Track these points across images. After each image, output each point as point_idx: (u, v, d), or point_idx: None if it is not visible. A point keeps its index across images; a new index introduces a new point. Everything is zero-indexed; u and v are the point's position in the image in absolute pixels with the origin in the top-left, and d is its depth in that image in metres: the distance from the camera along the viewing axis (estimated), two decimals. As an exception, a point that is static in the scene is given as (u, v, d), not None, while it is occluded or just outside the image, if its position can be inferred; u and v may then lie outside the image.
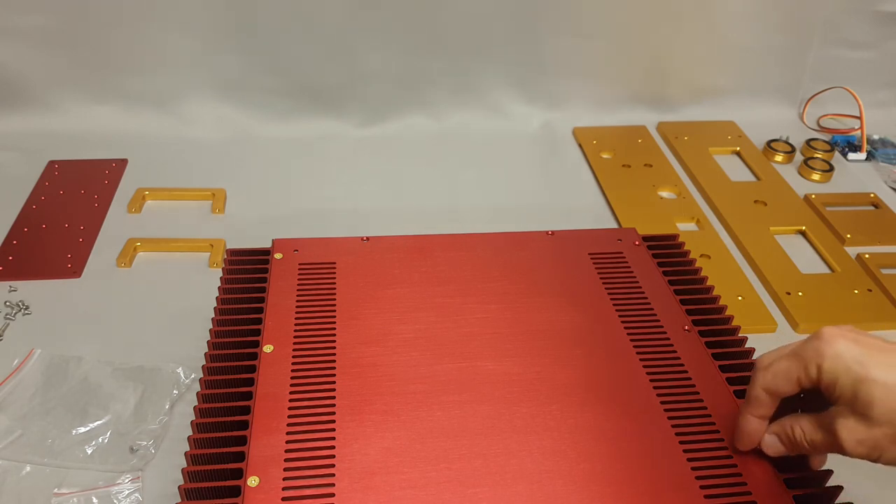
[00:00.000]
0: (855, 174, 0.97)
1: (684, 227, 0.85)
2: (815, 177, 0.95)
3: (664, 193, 0.91)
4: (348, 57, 0.96)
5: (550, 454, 0.46)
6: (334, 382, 0.50)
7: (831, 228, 0.85)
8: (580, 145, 0.99)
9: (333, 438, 0.46)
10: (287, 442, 0.46)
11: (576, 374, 0.52)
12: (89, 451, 0.55)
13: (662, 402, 0.50)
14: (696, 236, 0.82)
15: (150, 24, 0.91)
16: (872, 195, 0.91)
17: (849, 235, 0.83)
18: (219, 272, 0.63)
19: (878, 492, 0.53)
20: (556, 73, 1.01)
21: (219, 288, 0.58)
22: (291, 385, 0.50)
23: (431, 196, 0.89)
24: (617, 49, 1.01)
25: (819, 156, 0.97)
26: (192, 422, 0.47)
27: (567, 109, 1.04)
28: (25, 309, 0.68)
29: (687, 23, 1.00)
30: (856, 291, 0.76)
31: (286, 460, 0.45)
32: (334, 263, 0.61)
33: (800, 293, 0.75)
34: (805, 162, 0.96)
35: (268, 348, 0.52)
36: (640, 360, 0.53)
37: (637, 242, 0.65)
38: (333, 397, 0.49)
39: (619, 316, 0.57)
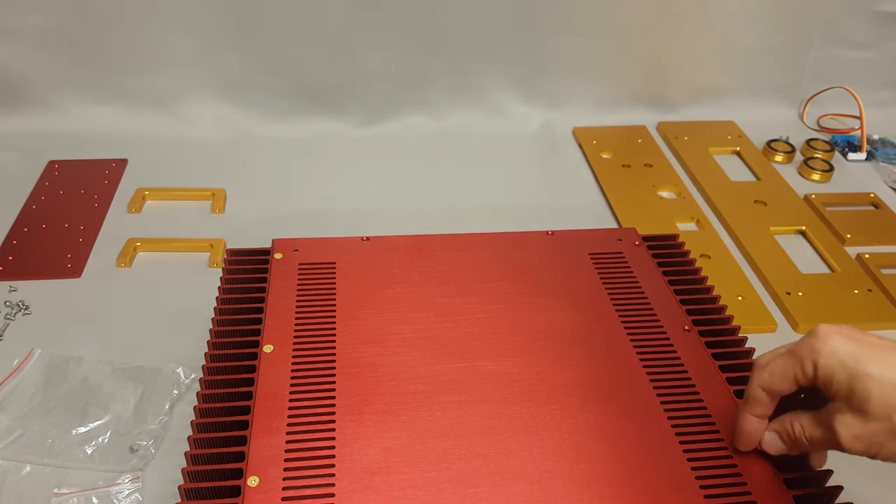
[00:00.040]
0: (855, 174, 0.97)
1: (684, 227, 0.85)
2: (815, 177, 0.95)
3: (664, 193, 0.91)
4: (348, 57, 0.96)
5: (550, 454, 0.46)
6: (334, 382, 0.50)
7: (831, 228, 0.85)
8: (580, 145, 0.99)
9: (333, 438, 0.46)
10: (287, 442, 0.46)
11: (576, 374, 0.52)
12: (89, 451, 0.55)
13: (662, 402, 0.50)
14: (696, 236, 0.82)
15: (150, 24, 0.91)
16: (872, 195, 0.91)
17: (849, 235, 0.83)
18: (219, 272, 0.63)
19: (878, 492, 0.53)
20: (556, 73, 1.01)
21: (219, 288, 0.58)
22: (291, 385, 0.50)
23: (431, 196, 0.89)
24: (617, 49, 1.01)
25: (819, 156, 0.97)
26: (192, 422, 0.47)
27: (567, 109, 1.04)
28: (25, 309, 0.68)
29: (687, 23, 1.00)
30: (856, 291, 0.76)
31: (286, 460, 0.45)
32: (334, 263, 0.61)
33: (800, 293, 0.75)
34: (805, 162, 0.96)
35: (268, 348, 0.52)
36: (640, 360, 0.53)
37: (637, 242, 0.65)
38: (333, 397, 0.49)
39: (619, 316, 0.57)
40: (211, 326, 0.54)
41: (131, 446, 0.55)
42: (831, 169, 0.95)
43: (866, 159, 0.99)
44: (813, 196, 0.90)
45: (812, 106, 1.08)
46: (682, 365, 0.53)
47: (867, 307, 0.74)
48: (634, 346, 0.54)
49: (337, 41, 0.95)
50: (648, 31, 1.00)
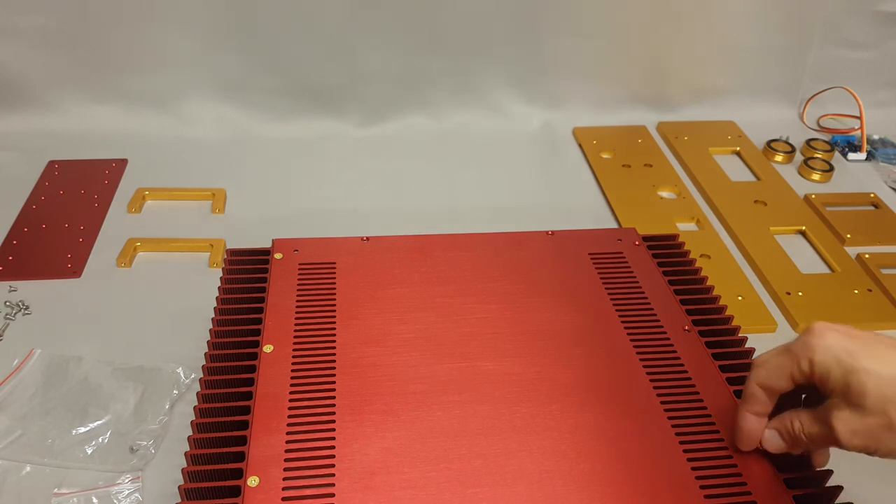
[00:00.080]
0: (855, 174, 0.97)
1: (684, 227, 0.85)
2: (815, 177, 0.95)
3: (664, 193, 0.91)
4: (348, 57, 0.96)
5: (550, 454, 0.46)
6: (334, 382, 0.50)
7: (831, 228, 0.85)
8: (580, 145, 0.99)
9: (333, 438, 0.46)
10: (287, 442, 0.46)
11: (576, 374, 0.52)
12: (89, 451, 0.55)
13: (662, 402, 0.50)
14: (696, 236, 0.82)
15: (150, 24, 0.91)
16: (872, 195, 0.91)
17: (849, 235, 0.83)
18: (219, 272, 0.63)
19: (878, 491, 0.53)
20: (556, 73, 1.01)
21: (219, 288, 0.58)
22: (291, 385, 0.50)
23: (431, 196, 0.89)
24: (617, 49, 1.01)
25: (819, 156, 0.97)
26: (192, 422, 0.47)
27: (567, 109, 1.04)
28: (25, 309, 0.68)
29: (687, 23, 1.00)
30: (856, 291, 0.76)
31: (286, 460, 0.45)
32: (334, 263, 0.61)
33: (800, 293, 0.75)
34: (805, 162, 0.96)
35: (268, 348, 0.52)
36: (640, 360, 0.53)
37: (637, 242, 0.65)
38: (333, 397, 0.49)
39: (619, 316, 0.57)
40: (211, 326, 0.54)
41: (131, 446, 0.55)
42: (831, 169, 0.95)
43: (866, 159, 0.99)
44: (813, 196, 0.90)
45: (812, 106, 1.08)
46: (682, 365, 0.53)
47: (867, 307, 0.74)
48: (634, 346, 0.54)
49: (337, 41, 0.95)
50: (648, 31, 1.00)
